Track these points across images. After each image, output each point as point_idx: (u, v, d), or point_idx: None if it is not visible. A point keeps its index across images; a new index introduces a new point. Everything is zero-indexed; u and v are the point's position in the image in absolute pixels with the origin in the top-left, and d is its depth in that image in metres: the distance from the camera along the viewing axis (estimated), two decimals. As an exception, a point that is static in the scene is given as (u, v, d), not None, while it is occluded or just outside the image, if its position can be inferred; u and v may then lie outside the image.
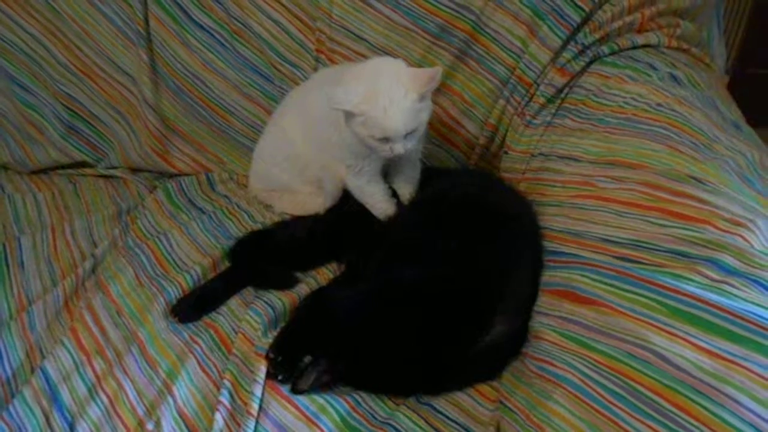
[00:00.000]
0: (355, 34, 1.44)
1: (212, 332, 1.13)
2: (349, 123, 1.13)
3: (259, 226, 1.39)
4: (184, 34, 1.55)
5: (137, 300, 1.21)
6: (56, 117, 1.68)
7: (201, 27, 1.54)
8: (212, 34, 1.54)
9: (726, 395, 0.66)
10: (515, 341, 0.99)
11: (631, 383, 0.74)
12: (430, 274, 1.01)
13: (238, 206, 1.49)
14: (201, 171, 1.65)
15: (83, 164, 1.72)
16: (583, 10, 1.30)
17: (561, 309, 0.93)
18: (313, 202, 1.39)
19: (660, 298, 0.79)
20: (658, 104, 1.13)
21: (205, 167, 1.66)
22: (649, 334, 0.76)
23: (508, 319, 0.99)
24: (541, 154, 1.27)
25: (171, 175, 1.66)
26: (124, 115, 1.67)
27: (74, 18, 1.59)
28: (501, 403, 0.95)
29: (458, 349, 0.97)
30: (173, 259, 1.32)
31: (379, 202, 1.25)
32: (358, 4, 1.42)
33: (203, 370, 1.06)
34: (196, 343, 1.11)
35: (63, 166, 1.73)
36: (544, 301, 0.99)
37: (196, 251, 1.34)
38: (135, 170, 1.70)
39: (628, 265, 0.87)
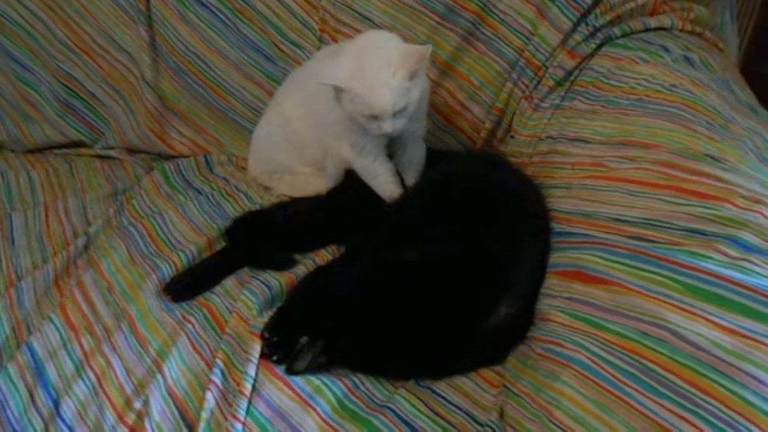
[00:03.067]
0: (359, 14, 1.40)
1: (205, 311, 1.09)
2: (339, 99, 1.10)
3: (257, 208, 1.35)
4: (185, 12, 1.51)
5: (129, 277, 1.17)
6: (53, 95, 1.65)
7: (203, 4, 1.50)
8: (214, 12, 1.50)
9: (747, 373, 0.62)
10: (521, 324, 0.95)
11: (645, 362, 0.70)
12: (432, 254, 0.97)
13: (236, 188, 1.45)
14: (199, 153, 1.61)
15: (79, 144, 1.69)
16: (595, -9, 1.27)
17: (570, 290, 0.89)
18: (313, 183, 1.36)
19: (676, 276, 0.75)
20: (672, 85, 1.09)
21: (203, 149, 1.62)
22: (665, 312, 0.72)
23: (514, 301, 0.95)
24: (549, 137, 1.24)
25: (169, 157, 1.61)
26: (122, 94, 1.63)
27: (73, -7, 1.56)
28: (505, 387, 0.91)
29: (461, 330, 0.93)
30: (168, 239, 1.28)
31: (384, 183, 1.21)
32: (363, -17, 1.38)
33: (195, 349, 1.02)
34: (188, 321, 1.07)
35: (59, 146, 1.69)
36: (552, 283, 0.95)
37: (191, 231, 1.30)
38: (132, 151, 1.66)
39: (641, 243, 0.83)
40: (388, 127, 1.08)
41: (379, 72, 1.04)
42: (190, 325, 1.06)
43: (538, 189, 1.11)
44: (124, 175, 1.58)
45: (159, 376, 0.97)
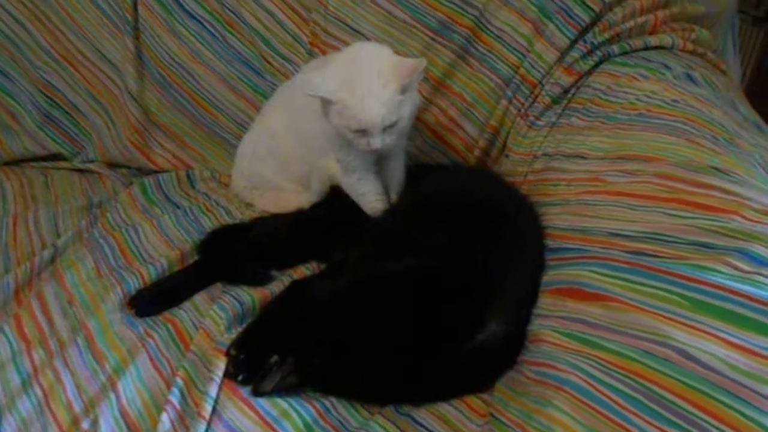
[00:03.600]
0: (351, 27, 1.36)
1: (170, 327, 1.00)
2: (326, 112, 1.04)
3: (237, 223, 1.28)
4: (173, 23, 1.48)
5: (92, 290, 1.09)
6: (33, 105, 1.60)
7: (192, 16, 1.46)
8: (203, 24, 1.47)
9: (765, 397, 0.55)
10: (510, 347, 0.87)
11: (648, 385, 0.62)
12: (415, 267, 0.90)
13: (216, 203, 1.38)
14: (182, 168, 1.55)
15: (58, 156, 1.62)
16: (593, 11, 1.23)
17: (564, 308, 0.81)
18: (296, 200, 1.29)
19: (681, 291, 0.68)
20: (674, 100, 1.04)
21: (186, 164, 1.55)
22: (669, 329, 0.65)
23: (502, 320, 0.87)
24: (544, 154, 1.17)
25: (150, 172, 1.55)
26: (105, 106, 1.58)
27: (60, 1, 1.52)
28: (492, 416, 0.82)
29: (445, 349, 0.84)
30: (139, 252, 1.20)
31: (371, 201, 1.16)
32: (355, -4, 1.35)
33: (155, 367, 0.93)
34: (150, 337, 0.98)
35: (37, 158, 1.62)
36: (544, 302, 0.88)
37: (164, 244, 1.22)
38: (112, 165, 1.60)
39: (642, 258, 0.76)
40: (377, 143, 1.02)
41: (369, 84, 0.99)
42: (151, 341, 0.97)
43: (532, 206, 1.05)
44: (102, 189, 1.51)
45: (112, 395, 0.88)
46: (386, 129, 1.02)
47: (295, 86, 1.28)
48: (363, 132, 1.01)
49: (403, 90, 1.01)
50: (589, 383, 0.67)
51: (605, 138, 1.04)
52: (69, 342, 0.98)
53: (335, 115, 1.02)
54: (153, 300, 1.05)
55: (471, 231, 0.95)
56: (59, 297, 1.08)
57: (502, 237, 0.96)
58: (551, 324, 0.81)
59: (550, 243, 0.95)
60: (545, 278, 0.91)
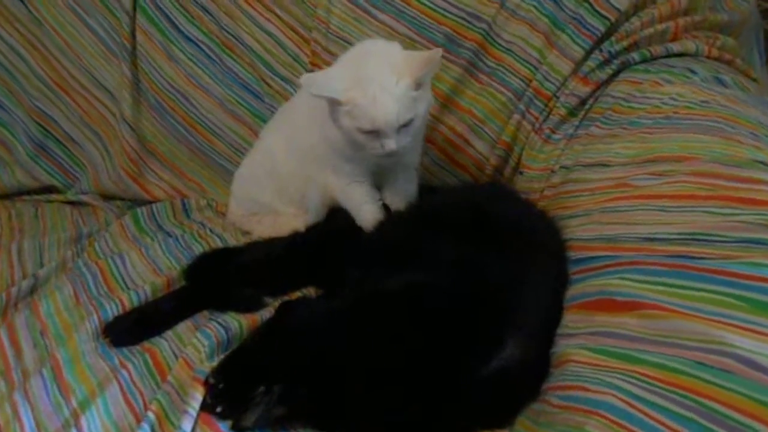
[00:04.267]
0: (353, 46, 1.30)
1: (148, 356, 0.90)
2: (334, 114, 0.96)
3: (231, 249, 1.19)
4: (170, 47, 1.43)
5: (68, 319, 1.00)
6: (27, 135, 1.54)
7: (189, 39, 1.42)
8: (200, 47, 1.42)
9: None
10: (532, 373, 0.75)
11: (703, 401, 0.51)
12: (418, 283, 0.79)
13: (211, 230, 1.30)
14: (177, 198, 1.47)
15: (51, 189, 1.56)
16: (608, 20, 1.16)
17: (592, 323, 0.70)
18: (294, 224, 1.19)
19: (735, 291, 0.57)
20: (703, 101, 0.95)
21: (182, 194, 1.48)
22: (726, 335, 0.54)
23: (522, 341, 0.75)
24: (562, 167, 1.08)
25: (145, 203, 1.47)
26: (100, 134, 1.52)
27: (56, 29, 1.49)
28: (513, 455, 0.70)
29: (456, 377, 0.72)
30: (123, 279, 1.11)
31: (363, 205, 1.06)
32: (358, 14, 1.29)
33: (125, 400, 0.82)
34: (124, 368, 0.88)
35: (29, 191, 1.56)
36: (569, 320, 0.76)
37: (151, 272, 1.13)
38: (106, 197, 1.53)
39: (683, 260, 0.65)
40: (392, 144, 0.92)
41: (381, 80, 0.91)
42: (125, 372, 0.87)
43: (551, 219, 0.95)
44: (93, 221, 1.43)
45: (74, 431, 0.77)
46: (401, 129, 0.93)
47: (293, 106, 1.22)
48: (376, 133, 0.93)
49: (418, 85, 0.93)
50: (628, 403, 0.55)
51: (629, 143, 0.94)
52: (34, 373, 0.87)
53: (345, 116, 0.93)
54: (131, 328, 0.95)
55: (482, 244, 0.85)
56: (31, 327, 0.99)
57: (517, 251, 0.85)
58: (579, 342, 0.70)
59: (573, 255, 0.84)
60: (569, 293, 0.80)
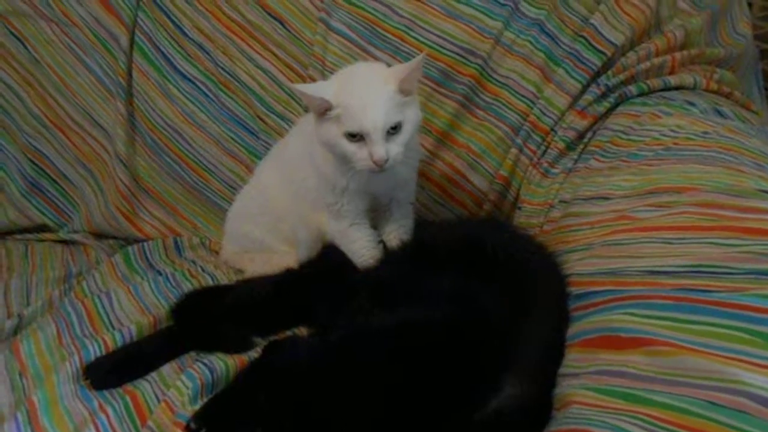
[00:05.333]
0: (349, 82, 1.30)
1: (128, 399, 0.85)
2: (321, 128, 0.94)
3: (222, 287, 1.15)
4: (166, 85, 1.42)
5: (48, 360, 0.96)
6: (20, 173, 1.53)
7: (185, 77, 1.41)
8: (197, 85, 1.41)
9: None
10: (533, 415, 0.70)
11: (720, 445, 0.46)
12: (411, 320, 0.75)
13: (202, 269, 1.26)
14: (170, 236, 1.44)
15: (42, 228, 1.53)
16: (605, 54, 1.15)
17: (596, 361, 0.66)
18: (288, 261, 1.16)
19: (746, 325, 0.54)
20: (704, 132, 0.93)
21: (175, 232, 1.45)
22: (739, 372, 0.50)
23: (521, 381, 0.71)
24: (561, 201, 1.06)
25: (136, 241, 1.45)
26: (94, 172, 1.51)
27: (54, 68, 1.49)
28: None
29: (450, 420, 0.68)
30: (109, 319, 1.07)
31: (362, 249, 1.03)
32: (354, 51, 1.29)
33: (102, 447, 0.78)
34: (103, 412, 0.83)
35: (20, 230, 1.53)
36: (572, 359, 0.72)
37: (138, 311, 1.09)
38: (98, 236, 1.50)
39: (690, 293, 0.62)
40: (381, 150, 0.89)
41: (368, 86, 0.92)
42: (104, 416, 0.82)
43: (550, 254, 0.91)
44: (84, 260, 1.40)
45: (45, 480, 0.72)
46: (389, 136, 0.91)
47: (286, 142, 1.21)
48: (363, 140, 0.90)
49: (404, 90, 0.92)
50: (636, 448, 0.51)
51: (630, 176, 0.92)
52: (8, 418, 0.83)
53: (332, 123, 0.92)
54: (113, 370, 0.91)
55: (478, 279, 0.81)
56: (10, 368, 0.95)
57: (515, 286, 0.81)
58: (582, 382, 0.65)
59: (574, 290, 0.80)
60: (571, 330, 0.76)
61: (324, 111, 0.92)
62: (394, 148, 0.90)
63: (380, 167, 0.90)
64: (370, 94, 0.89)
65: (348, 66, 1.03)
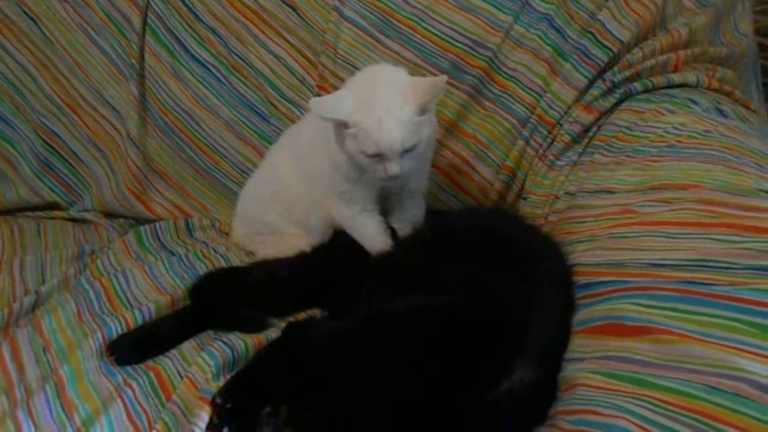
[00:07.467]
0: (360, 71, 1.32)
1: (152, 375, 0.90)
2: (339, 138, 0.97)
3: (235, 268, 1.19)
4: (179, 68, 1.45)
5: (71, 336, 0.99)
6: (32, 152, 1.55)
7: (198, 61, 1.44)
8: (209, 69, 1.44)
9: None
10: (540, 396, 0.75)
11: (718, 425, 0.51)
12: (428, 304, 0.79)
13: (214, 250, 1.30)
14: (181, 217, 1.47)
15: (53, 206, 1.56)
16: (611, 50, 1.18)
17: (602, 347, 0.70)
18: (299, 245, 1.19)
19: (746, 317, 0.58)
20: (706, 130, 0.96)
21: (186, 213, 1.48)
22: (739, 360, 0.54)
23: (530, 365, 0.75)
24: (566, 193, 1.09)
25: (147, 222, 1.47)
26: (105, 153, 1.53)
27: (67, 48, 1.51)
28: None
29: (465, 399, 0.72)
30: (126, 297, 1.11)
31: (372, 235, 1.06)
32: (366, 39, 1.31)
33: (130, 419, 0.82)
34: (128, 386, 0.87)
35: (31, 207, 1.56)
36: (578, 344, 0.76)
37: (155, 290, 1.13)
38: (109, 215, 1.53)
39: (692, 285, 0.66)
40: (395, 168, 0.93)
41: (387, 104, 0.92)
42: (129, 391, 0.86)
43: (556, 243, 0.95)
44: (96, 238, 1.43)
45: (78, 450, 0.76)
46: (404, 153, 0.94)
47: (300, 128, 1.24)
48: (380, 157, 0.94)
49: (423, 110, 0.94)
50: (641, 427, 0.55)
51: (634, 171, 0.96)
52: (37, 390, 0.87)
53: (350, 139, 0.95)
54: (135, 346, 0.95)
55: (490, 266, 0.85)
56: (34, 343, 0.99)
57: (524, 274, 0.85)
58: (589, 366, 0.70)
59: (579, 280, 0.85)
60: (576, 317, 0.80)
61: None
62: (408, 163, 0.94)
63: (394, 180, 0.94)
64: (388, 117, 0.91)
65: (366, 70, 1.04)
